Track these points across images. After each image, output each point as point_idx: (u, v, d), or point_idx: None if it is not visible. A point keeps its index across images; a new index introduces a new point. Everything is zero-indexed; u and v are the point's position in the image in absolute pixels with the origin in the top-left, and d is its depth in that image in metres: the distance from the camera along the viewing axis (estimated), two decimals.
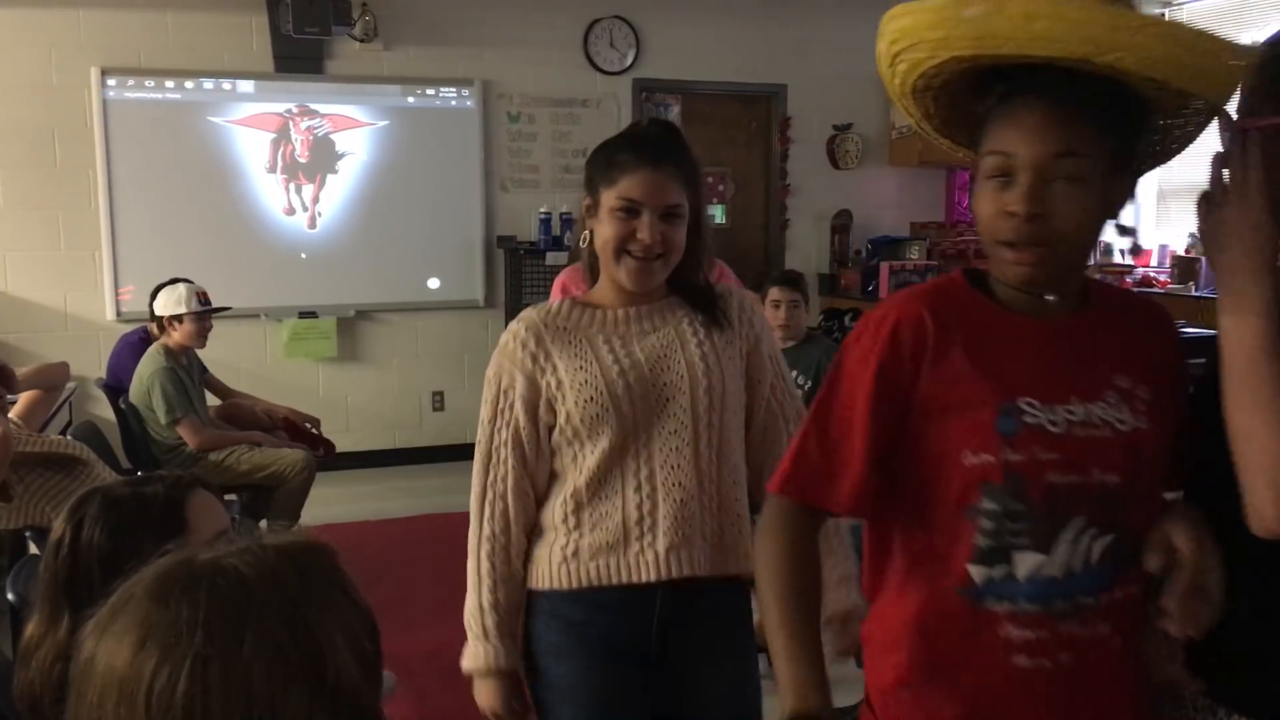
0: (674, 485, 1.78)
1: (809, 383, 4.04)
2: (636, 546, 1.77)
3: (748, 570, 1.82)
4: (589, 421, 1.76)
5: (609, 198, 1.76)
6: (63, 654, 1.25)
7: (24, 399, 3.78)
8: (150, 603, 0.87)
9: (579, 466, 1.79)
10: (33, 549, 3.33)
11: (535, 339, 1.81)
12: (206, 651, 0.83)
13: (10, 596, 2.26)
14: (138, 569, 0.94)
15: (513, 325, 1.84)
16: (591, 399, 1.76)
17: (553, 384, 1.79)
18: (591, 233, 1.83)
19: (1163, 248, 8.08)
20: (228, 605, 0.86)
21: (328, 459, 5.06)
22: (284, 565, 0.91)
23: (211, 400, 5.00)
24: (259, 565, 0.90)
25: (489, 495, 1.83)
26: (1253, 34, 6.86)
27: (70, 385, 4.81)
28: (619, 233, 1.75)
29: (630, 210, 1.75)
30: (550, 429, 1.81)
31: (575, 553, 1.79)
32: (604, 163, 1.78)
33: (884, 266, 6.90)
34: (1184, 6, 7.32)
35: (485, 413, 1.85)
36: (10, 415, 3.52)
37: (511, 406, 1.81)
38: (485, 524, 1.82)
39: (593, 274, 1.89)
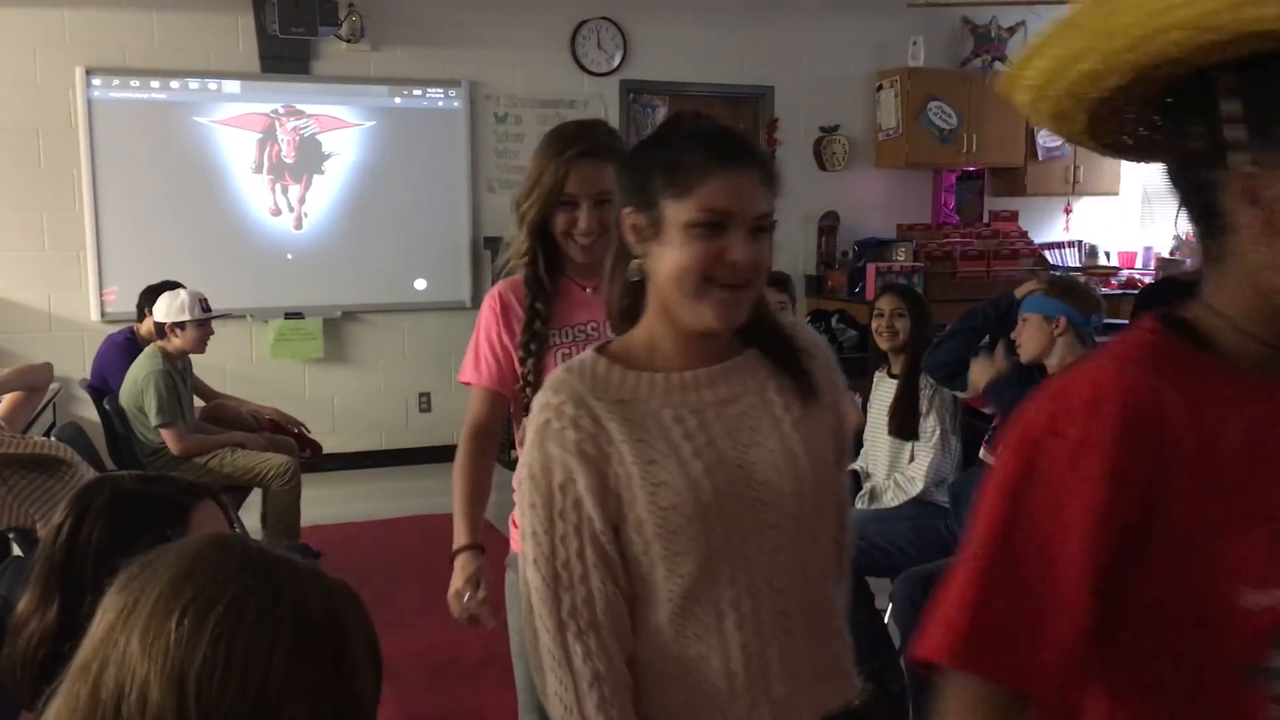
0: (782, 614, 1.37)
1: None
2: (746, 699, 1.36)
3: (854, 691, 1.49)
4: (666, 538, 1.32)
5: (682, 211, 1.31)
6: (47, 639, 1.27)
7: (6, 400, 3.76)
8: (204, 544, 0.90)
9: (655, 595, 1.35)
10: (15, 550, 3.31)
11: (589, 416, 1.34)
12: (251, 588, 0.86)
13: None
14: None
15: (548, 398, 1.37)
16: (674, 507, 1.31)
17: (621, 477, 1.33)
18: (640, 264, 1.37)
19: (1147, 250, 8.11)
20: (277, 566, 0.89)
21: (314, 460, 5.05)
22: (336, 581, 0.93)
23: (196, 402, 4.99)
24: (311, 566, 0.93)
25: (570, 630, 1.33)
26: None
27: (54, 386, 4.78)
28: (703, 256, 1.31)
29: (716, 225, 1.31)
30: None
31: (664, 710, 1.37)
32: (665, 166, 1.34)
33: (870, 268, 6.91)
34: None
35: (535, 523, 1.35)
36: None
37: (577, 505, 1.33)
38: (578, 666, 1.32)
39: (626, 318, 1.44)
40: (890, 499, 3.54)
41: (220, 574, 0.86)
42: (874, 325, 3.70)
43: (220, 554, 0.89)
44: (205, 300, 4.63)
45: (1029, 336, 3.10)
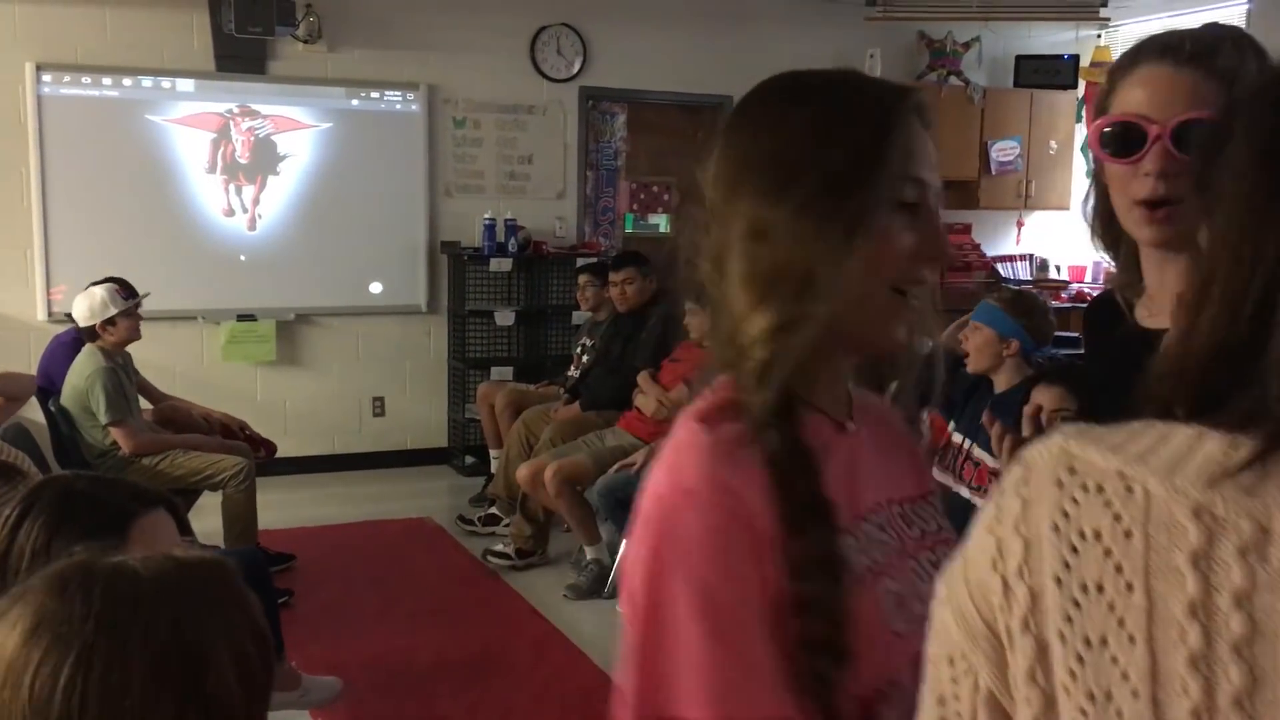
0: None
1: None
2: None
3: None
4: None
5: None
6: None
7: None
8: (46, 594, 0.92)
9: None
10: None
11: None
12: (93, 644, 0.88)
13: None
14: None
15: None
16: None
17: None
18: None
19: (1096, 264, 8.25)
20: (121, 603, 0.91)
21: (268, 460, 5.00)
22: (181, 574, 0.96)
23: (144, 404, 4.92)
24: (156, 570, 0.95)
25: None
26: None
27: None
28: None
29: None
30: None
31: None
32: None
33: None
34: (1118, 29, 7.51)
35: None
36: None
37: None
38: None
39: None
40: None
41: (63, 628, 0.88)
42: None
43: (59, 603, 0.90)
44: (120, 288, 4.52)
45: (979, 350, 3.10)
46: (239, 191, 6.25)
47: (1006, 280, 7.55)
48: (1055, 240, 8.29)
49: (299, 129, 6.32)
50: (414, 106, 6.53)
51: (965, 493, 2.88)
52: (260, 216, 6.30)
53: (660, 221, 7.40)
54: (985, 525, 0.68)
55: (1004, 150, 7.73)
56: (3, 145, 5.79)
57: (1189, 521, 0.59)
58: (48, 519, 1.34)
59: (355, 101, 6.43)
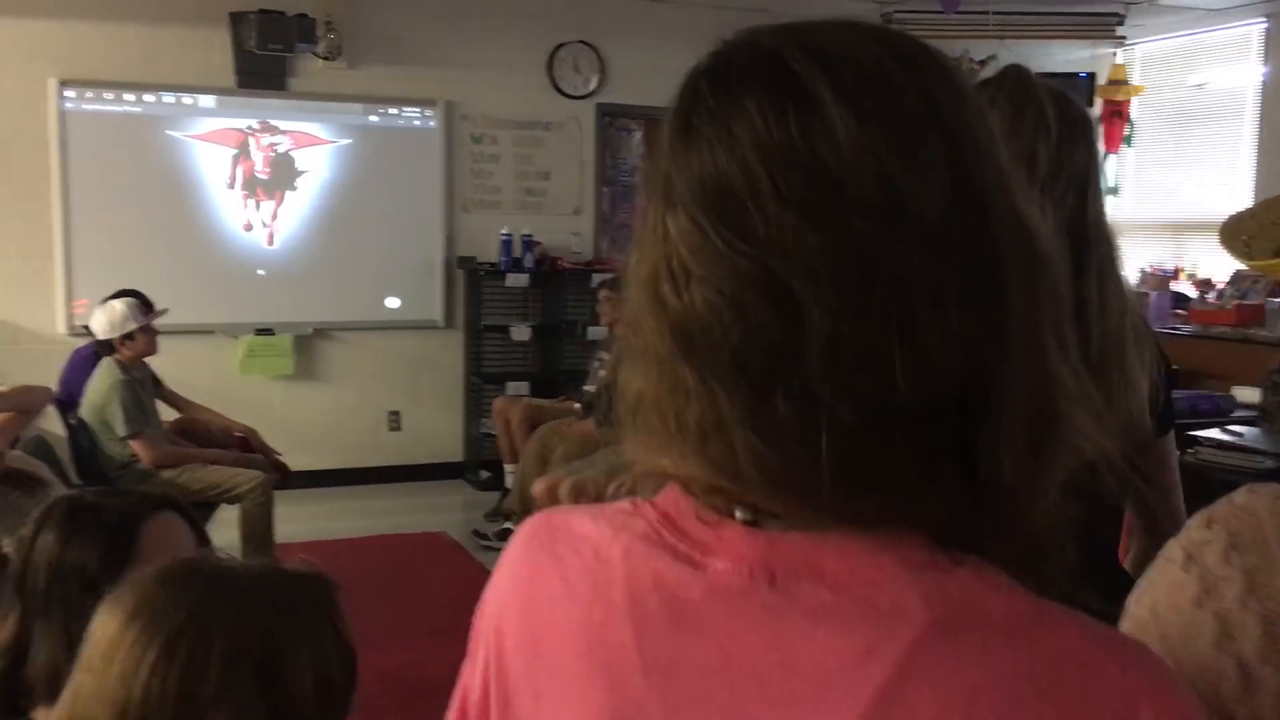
0: None
1: None
2: None
3: None
4: None
5: None
6: (5, 650, 1.30)
7: None
8: (153, 583, 1.01)
9: None
10: None
11: None
12: (181, 630, 0.96)
13: None
14: (81, 577, 1.14)
15: None
16: None
17: None
18: None
19: None
20: (214, 598, 1.00)
21: (280, 483, 5.02)
22: (279, 580, 1.05)
23: (168, 413, 4.95)
24: (257, 573, 1.04)
25: None
26: (1201, 75, 7.03)
27: None
28: None
29: None
30: None
31: None
32: None
33: None
34: (1135, 47, 7.50)
35: None
36: None
37: None
38: None
39: None
40: None
41: (157, 614, 0.97)
42: None
43: (160, 592, 0.99)
44: (140, 304, 4.54)
45: None
46: (258, 207, 6.29)
47: None
48: None
49: (318, 145, 6.37)
50: (432, 123, 6.57)
51: None
52: (279, 232, 6.34)
53: None
54: (1192, 601, 0.57)
55: None
56: (26, 160, 5.85)
57: None
58: (58, 532, 1.37)
59: (374, 118, 6.47)
